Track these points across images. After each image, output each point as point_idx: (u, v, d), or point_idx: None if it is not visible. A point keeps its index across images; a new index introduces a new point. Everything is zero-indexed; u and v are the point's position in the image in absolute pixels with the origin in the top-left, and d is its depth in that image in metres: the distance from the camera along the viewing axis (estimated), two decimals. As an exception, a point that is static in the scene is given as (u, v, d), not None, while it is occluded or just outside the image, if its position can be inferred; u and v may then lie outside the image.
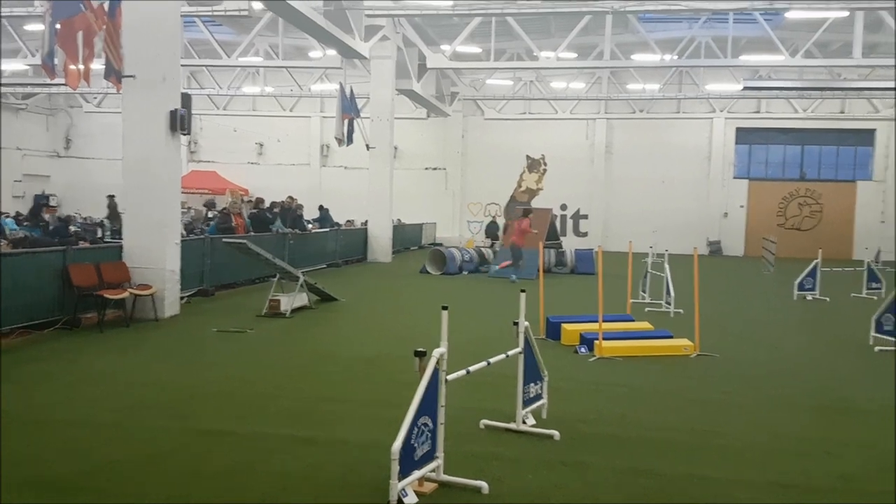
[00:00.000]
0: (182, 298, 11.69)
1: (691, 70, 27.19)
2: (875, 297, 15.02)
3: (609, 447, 5.49)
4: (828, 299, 15.23)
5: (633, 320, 10.96)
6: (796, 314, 13.48)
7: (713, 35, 23.20)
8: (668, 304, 12.66)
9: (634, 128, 31.74)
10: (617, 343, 9.01)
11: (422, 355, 4.40)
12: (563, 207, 32.45)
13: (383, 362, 8.24)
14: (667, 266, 12.80)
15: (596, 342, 8.86)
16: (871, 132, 30.50)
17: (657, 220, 29.88)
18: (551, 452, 5.29)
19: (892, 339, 9.59)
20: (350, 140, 20.72)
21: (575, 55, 23.42)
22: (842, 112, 30.13)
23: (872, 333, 10.00)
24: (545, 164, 32.97)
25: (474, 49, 22.77)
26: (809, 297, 15.48)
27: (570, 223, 32.64)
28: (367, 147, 21.80)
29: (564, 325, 9.66)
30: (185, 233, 14.21)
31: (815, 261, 15.79)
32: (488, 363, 5.21)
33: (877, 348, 9.64)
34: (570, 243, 25.11)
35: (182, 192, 12.56)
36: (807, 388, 7.65)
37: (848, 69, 22.82)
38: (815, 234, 29.69)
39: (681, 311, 12.14)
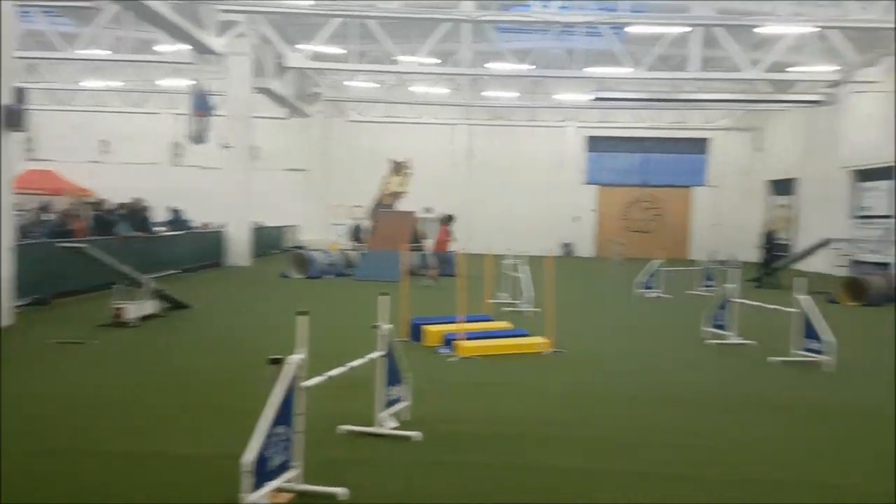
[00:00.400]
0: (16, 308, 10.72)
1: (545, 80, 28.34)
2: (709, 295, 16.29)
3: (470, 445, 5.59)
4: (668, 296, 16.38)
5: (492, 320, 11.25)
6: (639, 311, 14.38)
7: (565, 47, 24.32)
8: (525, 303, 13.12)
9: (494, 134, 32.70)
10: (477, 343, 9.20)
11: (277, 362, 4.27)
12: (428, 210, 32.82)
13: (239, 371, 7.93)
14: (524, 267, 13.26)
15: (456, 342, 9.00)
16: (705, 141, 33.19)
17: (516, 224, 30.89)
18: (413, 454, 5.31)
19: (725, 333, 10.45)
20: (205, 139, 19.87)
21: (436, 61, 23.76)
22: (678, 122, 32.60)
23: (705, 328, 10.84)
24: (409, 168, 33.23)
25: (336, 50, 22.55)
26: (650, 295, 16.58)
27: (433, 226, 33.03)
28: (223, 146, 21.01)
29: (426, 327, 9.75)
30: (19, 237, 13.03)
31: (656, 261, 16.95)
32: (349, 368, 5.15)
33: (709, 342, 10.44)
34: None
35: (16, 194, 11.53)
36: (650, 380, 8.16)
37: (685, 82, 24.62)
38: (655, 237, 31.84)
39: (537, 309, 12.60)
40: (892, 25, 14.60)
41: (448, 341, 9.22)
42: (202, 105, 19.98)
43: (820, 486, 5.01)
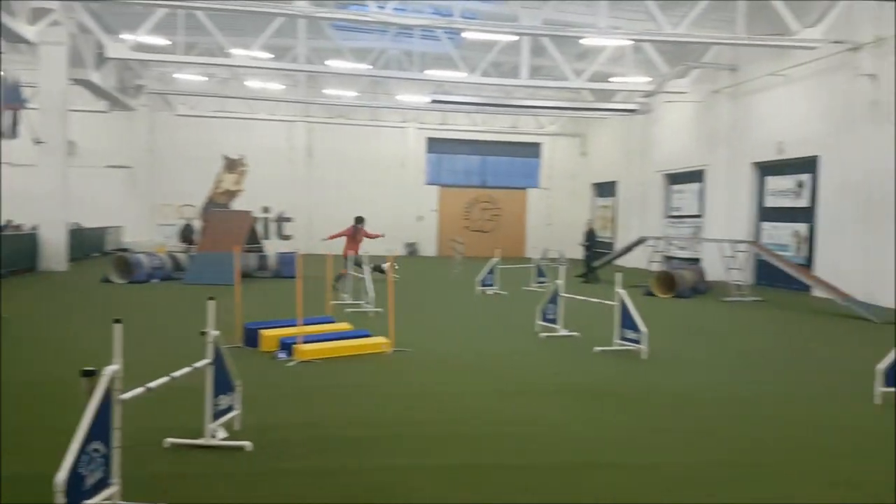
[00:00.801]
0: None
1: (385, 80, 28.48)
2: (543, 290, 17.13)
3: (305, 451, 5.47)
4: (504, 293, 17.04)
5: (333, 321, 11.12)
6: (479, 308, 14.83)
7: (403, 48, 24.55)
8: (368, 304, 13.11)
9: (335, 133, 32.37)
10: (316, 345, 9.05)
11: (90, 375, 3.95)
12: (266, 210, 31.93)
13: (52, 385, 7.28)
14: (366, 267, 13.25)
15: (295, 346, 8.81)
16: (538, 146, 34.86)
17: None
18: (243, 464, 5.12)
19: (555, 326, 11.02)
20: (16, 134, 18.09)
21: (271, 56, 23.13)
22: (513, 127, 34.01)
23: (538, 322, 11.38)
24: (245, 165, 32.13)
25: (161, 41, 21.30)
26: (490, 292, 17.17)
27: (273, 226, 32.21)
28: (36, 142, 19.23)
29: (262, 332, 9.46)
30: None
31: (494, 259, 17.58)
32: (170, 378, 4.87)
33: (542, 335, 10.98)
34: (273, 246, 24.72)
35: None
36: (489, 374, 8.42)
37: (517, 88, 25.69)
38: (494, 236, 32.99)
39: (379, 309, 12.63)
40: (699, 40, 16.10)
41: (285, 345, 9.00)
42: (13, 97, 18.14)
43: (638, 468, 5.38)
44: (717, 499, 4.75)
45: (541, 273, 18.81)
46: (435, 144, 33.84)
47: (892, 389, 7.28)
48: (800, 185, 19.76)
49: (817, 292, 16.73)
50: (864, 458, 5.73)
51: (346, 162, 32.40)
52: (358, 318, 12.08)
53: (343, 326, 10.73)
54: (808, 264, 18.89)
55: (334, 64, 23.65)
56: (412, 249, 33.00)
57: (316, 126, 32.15)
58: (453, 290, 18.27)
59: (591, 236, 21.49)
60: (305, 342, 8.89)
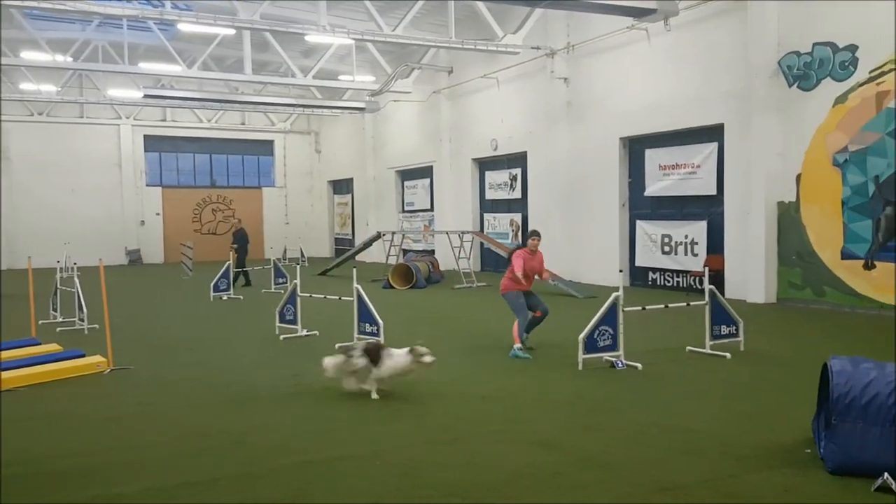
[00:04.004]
0: None
1: (92, 74, 25.88)
2: (282, 291, 16.82)
3: (9, 490, 4.78)
4: (241, 297, 16.46)
5: (39, 343, 9.89)
6: (215, 314, 14.15)
7: (110, 40, 22.52)
8: (82, 320, 11.85)
9: (35, 132, 28.76)
10: (18, 372, 7.98)
11: None
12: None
13: None
14: (76, 280, 11.95)
15: (-11, 377, 7.67)
16: (271, 143, 34.14)
17: (70, 232, 27.73)
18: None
19: (294, 326, 10.88)
20: None
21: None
22: (243, 124, 32.92)
23: (277, 324, 11.16)
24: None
25: None
26: (225, 297, 16.47)
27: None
28: None
29: (-54, 364, 8.10)
30: None
31: (228, 262, 16.89)
32: None
33: (282, 337, 10.78)
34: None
35: None
36: (224, 383, 8.04)
37: (243, 83, 24.89)
38: (229, 238, 31.60)
39: (96, 326, 11.50)
40: (416, 42, 16.85)
41: (-23, 376, 7.79)
42: None
43: (362, 458, 5.50)
44: (433, 479, 5.02)
45: (279, 273, 18.47)
46: (154, 143, 31.55)
47: (592, 355, 8.29)
48: (513, 178, 21.68)
49: (533, 274, 18.47)
50: (555, 419, 6.44)
51: (52, 164, 28.96)
52: (73, 337, 10.88)
53: (51, 348, 9.60)
54: (524, 249, 20.79)
55: (30, 56, 20.99)
56: (135, 257, 30.50)
57: (11, 125, 28.24)
58: (185, 297, 17.24)
59: (241, 237, 19.66)
60: (4, 369, 7.79)
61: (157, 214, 31.49)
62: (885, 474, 4.49)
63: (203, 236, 31.66)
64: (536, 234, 9.58)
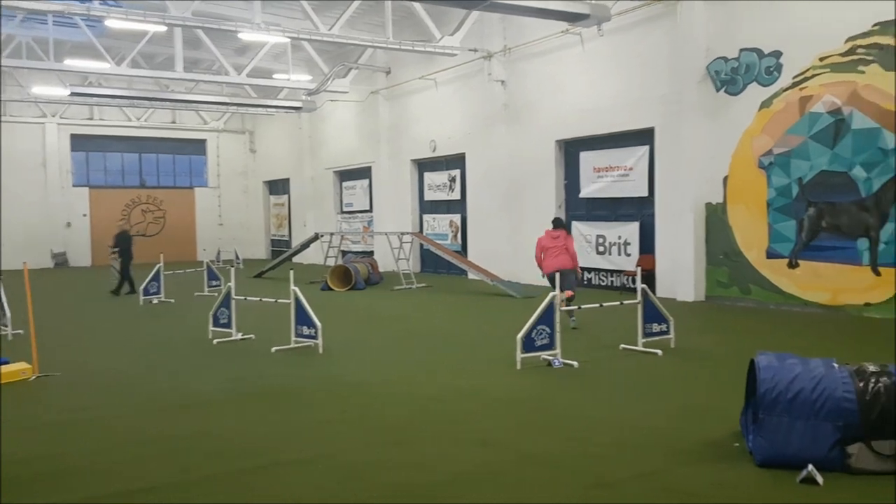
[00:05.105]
0: None
1: (15, 71, 24.78)
2: (216, 294, 16.46)
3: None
4: (173, 300, 16.04)
5: (-43, 353, 9.42)
6: (144, 318, 13.76)
7: (34, 36, 21.62)
8: (5, 325, 11.37)
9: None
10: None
11: None
12: None
13: None
14: (-1, 285, 11.46)
15: None
16: (203, 142, 33.35)
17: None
18: None
19: (229, 330, 10.66)
20: None
21: None
22: (174, 122, 32.06)
23: (211, 328, 10.92)
24: None
25: None
26: (155, 301, 16.02)
27: None
28: None
29: None
30: None
31: (158, 265, 16.44)
32: None
33: (215, 341, 10.55)
34: None
35: None
36: (156, 388, 7.83)
37: (174, 81, 24.24)
38: (160, 239, 30.82)
39: (20, 331, 11.06)
40: (352, 42, 16.73)
41: None
42: None
43: (301, 463, 5.45)
44: (376, 481, 5.02)
45: (213, 276, 18.06)
46: (81, 142, 30.41)
47: (530, 354, 8.41)
48: (452, 179, 21.78)
49: (472, 275, 18.63)
50: (495, 418, 6.51)
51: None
52: None
53: (-29, 357, 9.15)
54: (462, 251, 20.93)
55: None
56: (62, 260, 29.36)
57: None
58: (113, 301, 16.71)
59: (123, 240, 18.13)
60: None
61: (84, 216, 30.37)
62: (810, 466, 4.70)
63: (134, 238, 30.64)
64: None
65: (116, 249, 18.05)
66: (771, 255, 13.17)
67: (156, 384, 8.09)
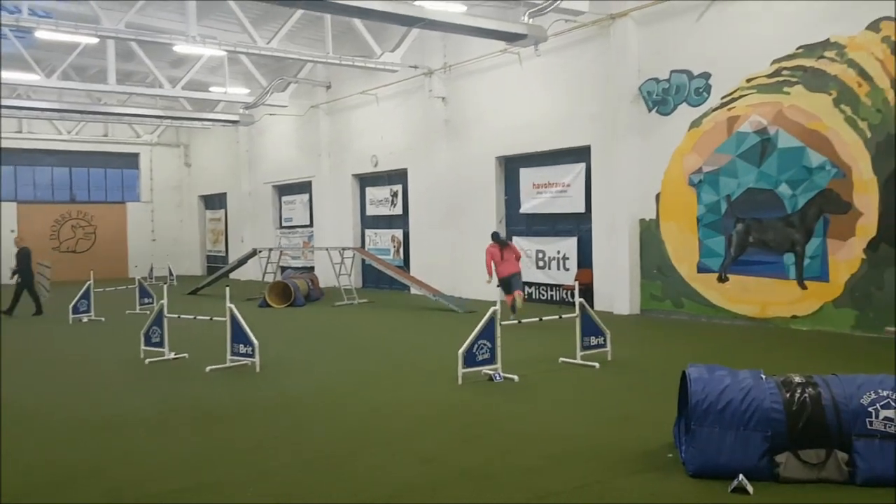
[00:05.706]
0: None
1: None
2: (148, 312, 15.98)
3: None
4: (103, 319, 15.50)
5: None
6: (73, 337, 13.25)
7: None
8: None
9: None
10: None
11: None
12: None
13: None
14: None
15: None
16: (136, 156, 32.49)
17: None
18: None
19: (161, 349, 10.34)
20: None
21: None
22: (105, 136, 31.16)
23: (143, 347, 10.58)
24: None
25: None
26: (85, 319, 15.47)
27: None
28: None
29: None
30: None
31: (88, 282, 15.88)
32: None
33: (147, 360, 10.23)
34: None
35: None
36: (84, 410, 7.53)
37: (107, 94, 23.60)
38: (91, 256, 29.82)
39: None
40: (291, 56, 16.61)
41: None
42: None
43: (236, 483, 5.32)
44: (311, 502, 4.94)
45: (145, 293, 17.52)
46: (9, 156, 29.24)
47: (471, 369, 8.42)
48: (394, 194, 21.75)
49: (414, 290, 18.59)
50: (436, 433, 6.50)
51: None
52: None
53: None
54: (405, 266, 20.88)
55: None
56: (-14, 278, 28.05)
57: None
58: (42, 319, 16.08)
59: (24, 258, 16.88)
60: None
61: (12, 231, 29.07)
62: (740, 476, 4.83)
63: (62, 254, 29.58)
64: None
65: (18, 269, 16.81)
66: (701, 269, 13.56)
67: (83, 406, 7.77)
